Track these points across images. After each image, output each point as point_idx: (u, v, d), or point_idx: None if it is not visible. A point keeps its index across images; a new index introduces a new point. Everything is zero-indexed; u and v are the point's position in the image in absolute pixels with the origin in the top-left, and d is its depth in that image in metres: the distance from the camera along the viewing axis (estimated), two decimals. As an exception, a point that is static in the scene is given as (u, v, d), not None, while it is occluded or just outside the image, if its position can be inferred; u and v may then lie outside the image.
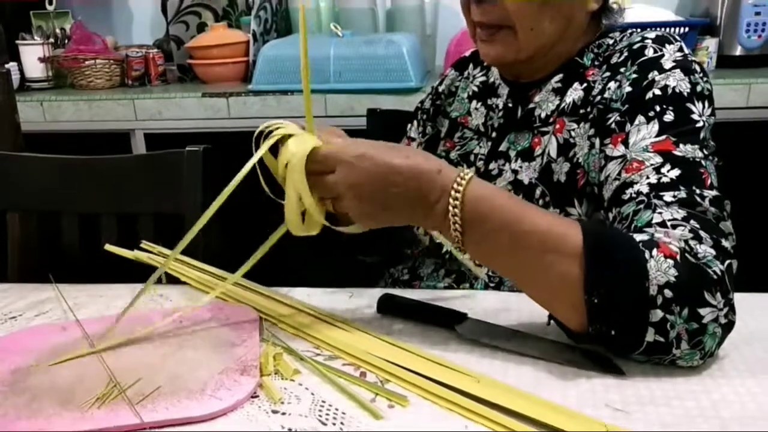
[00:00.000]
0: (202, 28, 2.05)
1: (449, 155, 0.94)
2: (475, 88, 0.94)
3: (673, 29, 1.76)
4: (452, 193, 0.61)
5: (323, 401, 0.58)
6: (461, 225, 0.61)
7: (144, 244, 0.93)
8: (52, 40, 2.08)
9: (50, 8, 2.12)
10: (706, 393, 0.57)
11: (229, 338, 0.69)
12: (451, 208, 0.61)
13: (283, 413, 0.57)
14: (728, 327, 0.59)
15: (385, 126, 1.21)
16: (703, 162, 0.67)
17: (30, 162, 1.07)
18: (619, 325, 0.58)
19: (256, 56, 1.82)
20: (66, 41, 2.10)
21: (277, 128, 0.66)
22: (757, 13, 1.78)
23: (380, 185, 0.62)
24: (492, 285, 0.82)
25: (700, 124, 0.69)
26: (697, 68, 0.73)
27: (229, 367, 0.63)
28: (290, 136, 0.66)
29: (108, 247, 0.94)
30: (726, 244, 0.61)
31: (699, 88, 0.71)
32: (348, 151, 0.63)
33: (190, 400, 0.58)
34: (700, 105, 0.70)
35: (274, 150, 0.67)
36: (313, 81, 1.73)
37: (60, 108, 1.84)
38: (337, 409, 0.57)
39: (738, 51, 1.83)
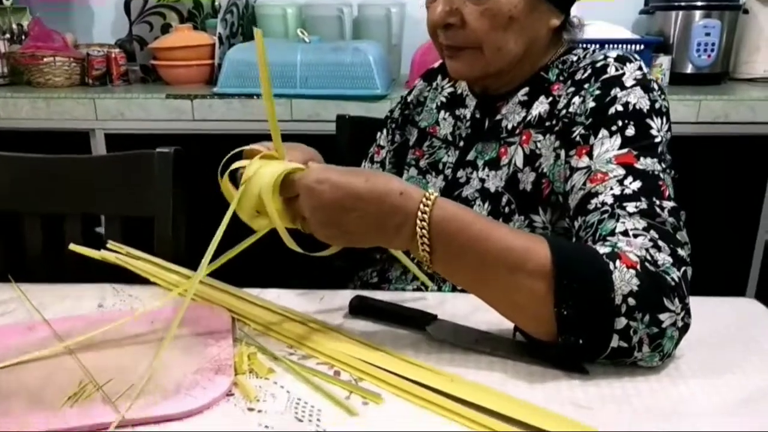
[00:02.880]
0: (166, 29, 2.02)
1: (418, 164, 0.96)
2: (444, 99, 0.97)
3: (629, 46, 1.83)
4: (419, 214, 0.62)
5: (299, 399, 0.59)
6: (429, 245, 0.63)
7: (111, 244, 0.92)
8: (8, 35, 2.03)
9: (7, 3, 2.06)
10: (665, 391, 0.61)
11: (202, 338, 0.70)
12: (419, 230, 0.62)
13: (259, 411, 0.58)
14: (684, 329, 0.63)
15: (353, 132, 1.23)
16: (661, 175, 0.71)
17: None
18: (587, 334, 0.60)
19: (221, 59, 1.81)
20: (23, 38, 2.04)
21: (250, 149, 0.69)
22: (707, 34, 1.87)
23: (338, 209, 0.63)
24: (459, 287, 0.85)
25: (659, 139, 0.73)
26: (655, 86, 0.77)
27: (203, 367, 0.64)
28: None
29: (73, 246, 0.93)
30: (682, 252, 0.65)
31: (657, 105, 0.75)
32: (309, 176, 0.65)
33: (165, 399, 0.58)
34: (658, 121, 0.74)
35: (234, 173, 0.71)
36: (279, 86, 1.75)
37: (16, 106, 1.79)
38: (312, 407, 0.58)
39: (689, 69, 1.92)
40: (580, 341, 0.60)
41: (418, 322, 0.72)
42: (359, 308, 0.76)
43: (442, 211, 0.63)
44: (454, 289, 0.85)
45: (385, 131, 1.05)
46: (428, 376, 0.61)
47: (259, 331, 0.72)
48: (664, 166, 0.72)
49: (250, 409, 0.58)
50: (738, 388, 0.62)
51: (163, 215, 0.98)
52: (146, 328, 0.72)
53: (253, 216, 0.70)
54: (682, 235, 0.68)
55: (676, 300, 0.61)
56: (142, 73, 2.05)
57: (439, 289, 0.86)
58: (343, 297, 0.80)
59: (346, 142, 1.23)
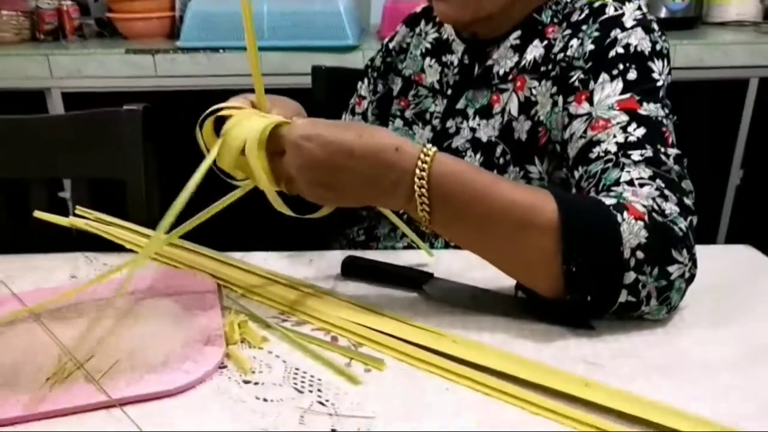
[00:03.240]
0: (121, -22, 1.90)
1: (404, 114, 0.91)
2: (429, 45, 0.92)
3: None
4: (417, 172, 0.58)
5: (296, 369, 0.56)
6: (429, 205, 0.59)
7: (79, 209, 0.87)
8: (-53, -12, 1.89)
9: (-56, -47, 1.91)
10: (673, 343, 0.59)
11: (187, 308, 0.65)
12: (417, 188, 0.58)
13: (256, 383, 0.54)
14: (691, 280, 0.61)
15: (329, 84, 1.17)
16: (664, 121, 0.68)
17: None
18: (596, 290, 0.58)
19: (183, 11, 1.72)
20: (-36, -10, 1.91)
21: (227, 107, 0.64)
22: (682, -23, 1.84)
23: (329, 168, 0.59)
24: (453, 244, 0.82)
25: (660, 82, 0.70)
26: (656, 27, 0.73)
27: (191, 339, 0.60)
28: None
29: (38, 213, 0.87)
30: (688, 201, 0.63)
31: (658, 47, 0.72)
32: (295, 131, 0.60)
33: (153, 375, 0.54)
34: (659, 63, 0.71)
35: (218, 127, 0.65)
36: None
37: (-38, 65, 1.68)
38: (312, 376, 0.55)
39: (663, 13, 1.89)
40: (588, 298, 0.58)
41: (414, 281, 0.69)
42: (352, 269, 0.73)
43: (442, 166, 0.58)
44: (446, 246, 0.82)
45: (366, 81, 1.00)
46: (431, 338, 0.59)
47: (247, 298, 0.68)
48: (666, 111, 0.69)
49: (246, 382, 0.54)
50: (745, 337, 0.60)
51: (134, 177, 0.91)
52: (126, 299, 0.68)
53: (233, 173, 0.65)
54: (687, 184, 0.65)
55: (684, 251, 0.59)
56: (97, 27, 1.94)
57: (432, 246, 0.83)
58: (332, 258, 0.76)
59: (324, 95, 1.17)
